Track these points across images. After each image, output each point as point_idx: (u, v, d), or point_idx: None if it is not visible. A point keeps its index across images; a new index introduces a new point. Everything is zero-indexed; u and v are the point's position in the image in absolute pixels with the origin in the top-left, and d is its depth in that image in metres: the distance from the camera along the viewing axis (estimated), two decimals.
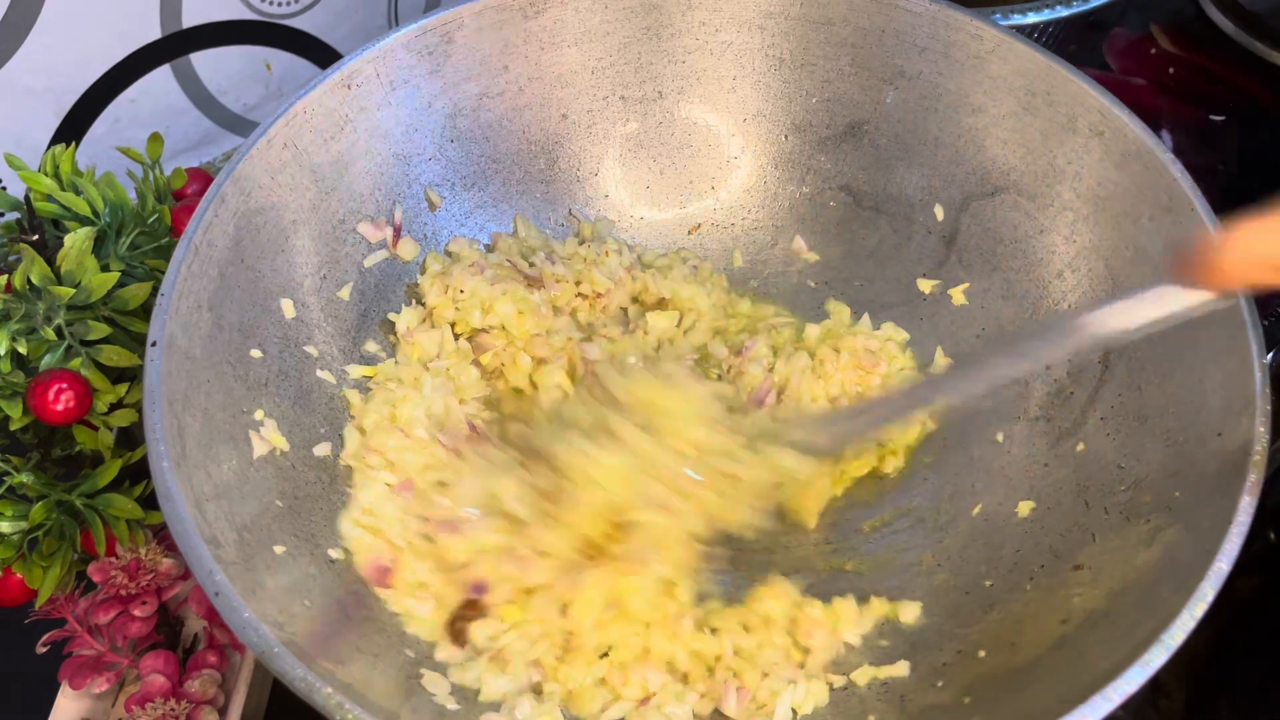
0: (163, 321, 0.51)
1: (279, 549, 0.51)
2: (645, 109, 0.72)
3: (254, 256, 0.57)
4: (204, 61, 0.81)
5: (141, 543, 0.60)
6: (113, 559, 0.59)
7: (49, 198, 0.61)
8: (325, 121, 0.61)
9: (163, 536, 0.61)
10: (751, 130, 0.72)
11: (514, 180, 0.70)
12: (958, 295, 0.67)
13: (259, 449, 0.54)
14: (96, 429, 0.59)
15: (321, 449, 0.58)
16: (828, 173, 0.71)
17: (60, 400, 0.56)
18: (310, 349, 0.60)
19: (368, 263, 0.64)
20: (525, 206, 0.71)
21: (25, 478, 0.58)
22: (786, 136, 0.72)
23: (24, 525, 0.57)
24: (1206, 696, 0.61)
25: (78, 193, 0.62)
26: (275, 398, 0.57)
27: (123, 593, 0.58)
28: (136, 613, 0.58)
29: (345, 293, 0.63)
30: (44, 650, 0.58)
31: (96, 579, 0.59)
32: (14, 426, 0.57)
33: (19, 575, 0.58)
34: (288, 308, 0.59)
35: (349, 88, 0.62)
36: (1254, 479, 0.47)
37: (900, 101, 0.68)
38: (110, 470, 0.59)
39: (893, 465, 0.63)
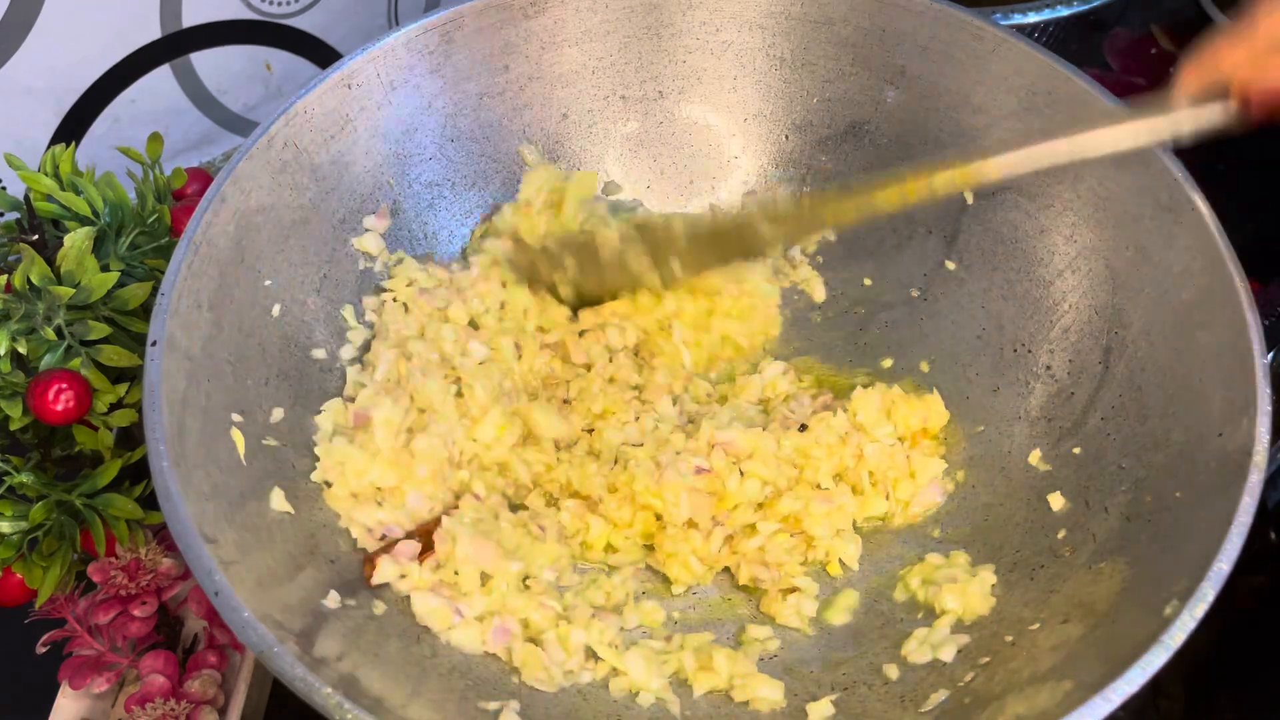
0: (163, 321, 0.51)
1: (280, 548, 0.51)
2: (646, 108, 0.72)
3: (254, 256, 0.57)
4: (204, 61, 0.81)
5: (141, 543, 0.60)
6: (113, 559, 0.59)
7: (49, 198, 0.61)
8: (325, 121, 0.61)
9: (163, 536, 0.61)
10: (752, 130, 0.72)
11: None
12: (958, 295, 0.67)
13: (259, 449, 0.54)
14: (96, 429, 0.59)
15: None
16: (828, 172, 0.71)
17: (60, 400, 0.56)
18: (313, 350, 0.60)
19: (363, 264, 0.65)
20: None
21: (25, 478, 0.57)
22: (787, 136, 0.72)
23: (24, 525, 0.57)
24: (1206, 696, 0.61)
25: (78, 193, 0.62)
26: (275, 397, 0.57)
27: (123, 593, 0.58)
28: (136, 613, 0.58)
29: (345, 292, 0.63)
30: (44, 650, 0.58)
31: (96, 579, 0.59)
32: (14, 426, 0.57)
33: (19, 575, 0.58)
34: (285, 308, 0.59)
35: (349, 87, 0.62)
36: (1254, 479, 0.47)
37: (901, 101, 0.68)
38: (110, 470, 0.59)
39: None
